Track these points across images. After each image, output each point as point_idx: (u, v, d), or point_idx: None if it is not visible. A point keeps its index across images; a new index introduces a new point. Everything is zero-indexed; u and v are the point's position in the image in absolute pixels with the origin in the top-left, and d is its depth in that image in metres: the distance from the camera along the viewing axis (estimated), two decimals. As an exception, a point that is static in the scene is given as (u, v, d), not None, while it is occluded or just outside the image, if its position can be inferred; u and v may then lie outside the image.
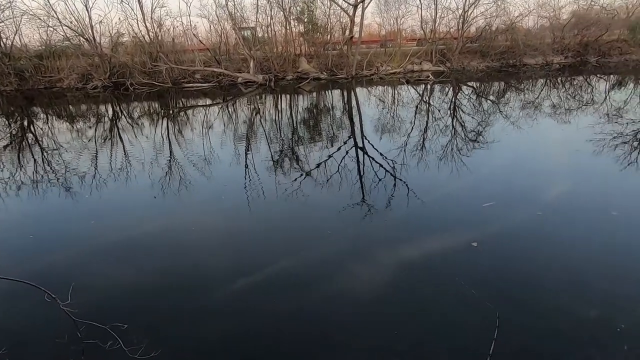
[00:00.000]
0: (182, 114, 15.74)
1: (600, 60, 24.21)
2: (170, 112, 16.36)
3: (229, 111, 15.74)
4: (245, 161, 8.68)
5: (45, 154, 9.97)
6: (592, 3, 24.44)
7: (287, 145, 10.02)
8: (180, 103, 18.50)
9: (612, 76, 20.17)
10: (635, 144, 8.32)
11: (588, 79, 19.49)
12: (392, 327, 3.36)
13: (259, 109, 15.95)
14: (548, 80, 19.57)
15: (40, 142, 11.27)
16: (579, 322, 3.20)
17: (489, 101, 15.05)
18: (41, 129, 13.40)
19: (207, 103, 18.10)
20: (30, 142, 11.46)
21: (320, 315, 3.67)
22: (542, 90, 16.92)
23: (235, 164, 8.54)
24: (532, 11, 26.02)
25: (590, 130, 9.40)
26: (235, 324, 3.57)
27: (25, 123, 14.70)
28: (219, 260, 4.66)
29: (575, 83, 18.63)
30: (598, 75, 20.42)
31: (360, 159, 8.38)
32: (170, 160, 8.94)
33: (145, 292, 4.08)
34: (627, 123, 10.10)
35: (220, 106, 16.98)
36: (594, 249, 4.33)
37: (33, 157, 9.64)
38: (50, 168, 8.69)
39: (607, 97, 14.17)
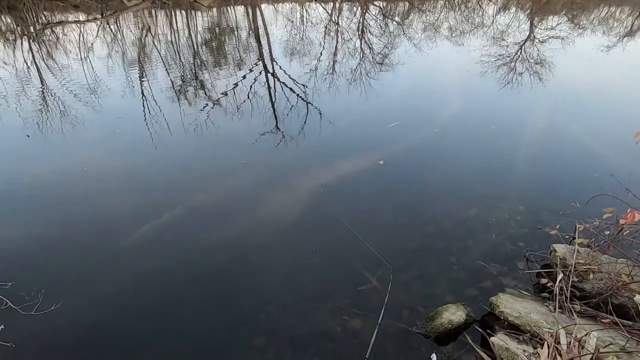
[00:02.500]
0: (48, 32, 12.79)
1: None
2: (32, 29, 13.16)
3: (111, 29, 13.29)
4: (142, 90, 7.67)
5: None
6: None
7: (189, 71, 9.05)
8: (43, 17, 14.90)
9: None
10: (512, 65, 9.46)
11: (480, 2, 20.80)
12: (309, 246, 3.64)
13: (149, 27, 13.75)
14: (447, 2, 20.38)
15: None
16: (460, 221, 3.86)
17: (394, 22, 15.25)
18: None
19: (81, 19, 14.91)
20: None
21: (240, 242, 3.76)
22: (441, 13, 17.64)
23: (129, 93, 7.51)
24: None
25: (478, 53, 10.32)
26: (149, 266, 3.47)
27: None
28: (123, 202, 4.31)
29: (469, 5, 19.76)
30: (488, -1, 21.88)
31: (271, 85, 8.06)
32: (43, 91, 7.45)
33: (33, 245, 3.64)
34: (507, 45, 11.31)
35: (99, 23, 14.16)
36: (476, 159, 5.07)
37: None
38: None
39: (494, 21, 15.45)
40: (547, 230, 3.35)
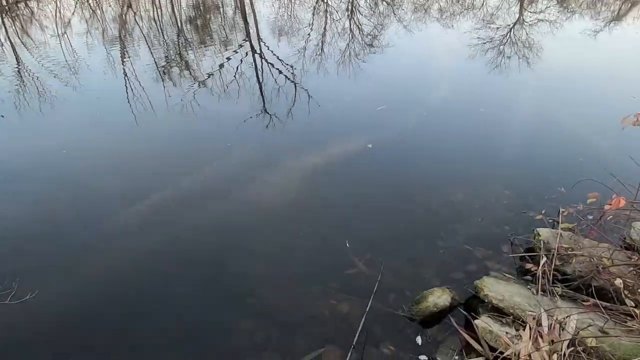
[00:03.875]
0: (22, 6, 12.13)
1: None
2: (4, 3, 12.45)
3: (90, 5, 12.68)
4: (124, 69, 7.40)
5: None
6: None
7: (173, 50, 8.74)
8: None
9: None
10: (501, 48, 9.41)
11: (471, -17, 20.49)
12: (297, 229, 3.62)
13: (130, 3, 13.16)
14: (438, -17, 20.00)
15: None
16: (448, 205, 3.88)
17: (384, 2, 14.95)
18: None
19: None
20: None
21: (228, 225, 3.73)
22: (432, -7, 17.33)
23: (111, 73, 7.24)
24: None
25: (468, 35, 10.22)
26: (134, 251, 3.41)
27: None
28: (106, 185, 4.20)
29: (460, -13, 19.45)
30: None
31: (259, 65, 7.86)
32: (19, 69, 7.12)
33: (9, 231, 3.53)
34: (497, 28, 11.22)
35: (76, -2, 13.50)
36: (464, 142, 5.07)
37: None
38: None
39: (484, 3, 15.28)
40: (532, 214, 3.39)
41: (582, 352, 2.13)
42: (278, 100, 6.27)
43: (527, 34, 10.67)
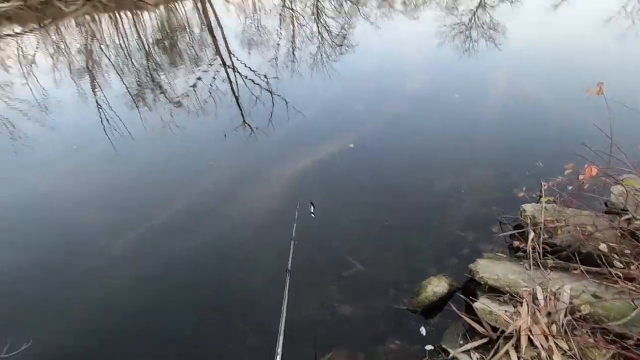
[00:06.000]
0: (-18, 49, 11.86)
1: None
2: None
3: (53, 39, 12.46)
4: (95, 100, 7.30)
5: None
6: None
7: (144, 75, 8.67)
8: (-25, 34, 13.76)
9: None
10: (467, 33, 9.61)
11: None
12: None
13: (94, 33, 13.00)
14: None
15: None
16: (435, 193, 3.94)
17: (348, 2, 15.09)
18: None
19: (16, 31, 13.89)
20: None
21: (223, 243, 3.72)
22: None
23: (83, 105, 7.14)
24: None
25: (435, 24, 10.41)
26: (130, 282, 3.39)
27: None
28: (96, 219, 4.15)
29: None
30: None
31: (232, 79, 7.85)
32: (-14, 115, 6.95)
33: None
34: (461, 14, 11.45)
35: (37, 34, 13.25)
36: (443, 130, 5.16)
37: None
38: None
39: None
40: (516, 191, 3.48)
41: (579, 320, 2.20)
42: (257, 112, 6.27)
43: (490, 15, 10.92)
